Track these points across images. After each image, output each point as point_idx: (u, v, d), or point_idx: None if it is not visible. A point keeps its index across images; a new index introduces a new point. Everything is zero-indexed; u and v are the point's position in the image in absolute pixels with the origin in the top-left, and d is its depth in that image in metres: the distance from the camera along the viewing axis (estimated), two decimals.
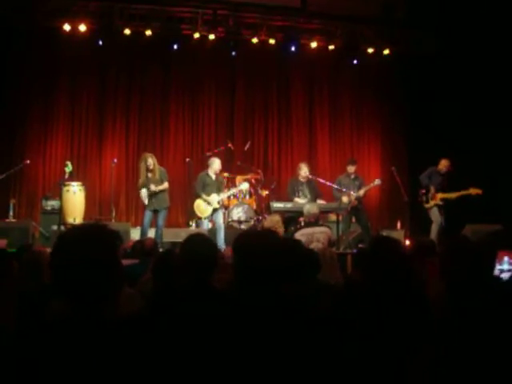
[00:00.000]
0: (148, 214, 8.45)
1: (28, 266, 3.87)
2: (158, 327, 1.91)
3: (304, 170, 9.01)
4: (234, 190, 9.30)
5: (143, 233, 8.33)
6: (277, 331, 1.84)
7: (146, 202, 8.41)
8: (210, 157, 9.07)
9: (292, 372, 1.81)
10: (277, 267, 1.93)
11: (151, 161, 8.35)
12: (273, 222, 6.42)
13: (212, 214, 8.65)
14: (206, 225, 8.70)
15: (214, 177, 8.71)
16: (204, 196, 8.56)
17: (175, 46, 10.25)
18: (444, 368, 1.93)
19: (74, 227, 1.76)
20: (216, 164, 8.72)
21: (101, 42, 9.84)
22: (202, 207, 8.62)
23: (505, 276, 4.21)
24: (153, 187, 8.32)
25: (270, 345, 1.81)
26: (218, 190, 8.69)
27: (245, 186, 9.28)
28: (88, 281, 1.61)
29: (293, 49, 10.50)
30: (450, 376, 1.96)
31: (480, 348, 2.06)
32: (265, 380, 1.79)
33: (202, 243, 2.82)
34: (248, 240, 2.04)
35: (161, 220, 8.44)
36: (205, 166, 9.03)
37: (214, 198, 8.59)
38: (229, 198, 9.54)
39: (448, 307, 2.32)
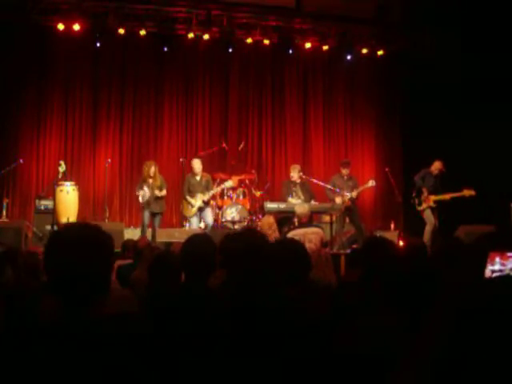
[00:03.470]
0: (147, 216, 8.75)
1: (24, 268, 3.86)
2: (151, 326, 1.91)
3: (294, 172, 9.04)
4: (217, 189, 9.26)
5: (144, 233, 8.50)
6: (272, 331, 1.84)
7: (141, 200, 8.66)
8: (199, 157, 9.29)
9: (288, 372, 1.81)
10: (266, 268, 1.93)
11: (154, 169, 8.75)
12: (269, 223, 6.38)
13: (200, 213, 8.91)
14: (196, 224, 8.93)
15: (198, 177, 8.94)
16: (187, 197, 8.90)
17: (169, 46, 10.25)
18: (441, 371, 1.93)
19: (68, 226, 1.75)
20: (194, 165, 9.00)
21: (96, 42, 9.81)
22: (187, 207, 8.98)
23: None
24: (157, 192, 8.66)
25: (265, 346, 1.81)
26: (205, 190, 8.90)
27: (228, 183, 9.27)
28: (81, 281, 1.62)
29: (288, 50, 10.51)
30: (447, 379, 1.96)
31: (476, 348, 2.06)
32: (260, 379, 1.79)
33: (203, 244, 2.81)
34: (232, 243, 2.04)
35: (157, 222, 8.78)
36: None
37: (198, 198, 8.82)
38: (217, 196, 9.53)
39: (439, 308, 2.32)
